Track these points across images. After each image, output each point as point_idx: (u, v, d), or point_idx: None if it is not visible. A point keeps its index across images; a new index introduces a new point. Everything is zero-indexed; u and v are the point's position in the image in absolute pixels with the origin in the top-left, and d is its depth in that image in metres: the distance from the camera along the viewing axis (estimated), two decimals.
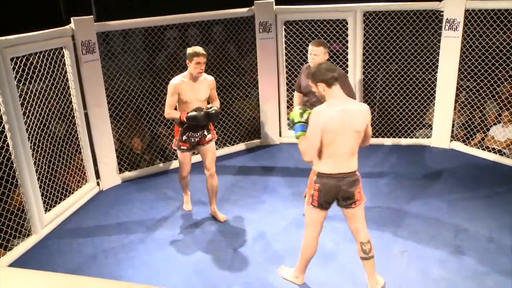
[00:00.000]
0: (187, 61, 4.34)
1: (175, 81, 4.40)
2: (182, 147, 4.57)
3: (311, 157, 3.33)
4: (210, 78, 4.54)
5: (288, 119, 3.45)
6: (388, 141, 6.48)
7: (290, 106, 6.61)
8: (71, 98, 5.03)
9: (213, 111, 4.35)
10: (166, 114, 4.48)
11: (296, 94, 4.88)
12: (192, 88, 4.40)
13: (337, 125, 3.22)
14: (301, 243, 3.71)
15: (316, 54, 4.48)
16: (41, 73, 4.57)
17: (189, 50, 4.32)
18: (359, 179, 3.45)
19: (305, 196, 3.65)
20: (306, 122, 3.41)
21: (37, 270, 1.50)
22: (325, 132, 3.22)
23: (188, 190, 5.01)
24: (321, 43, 4.54)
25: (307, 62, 4.61)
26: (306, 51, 6.21)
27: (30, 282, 1.42)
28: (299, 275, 3.81)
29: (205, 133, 4.58)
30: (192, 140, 4.54)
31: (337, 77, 3.30)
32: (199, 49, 4.31)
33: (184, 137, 4.52)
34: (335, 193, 3.40)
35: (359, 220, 3.53)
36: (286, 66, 6.43)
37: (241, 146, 6.54)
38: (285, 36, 6.32)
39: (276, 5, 6.14)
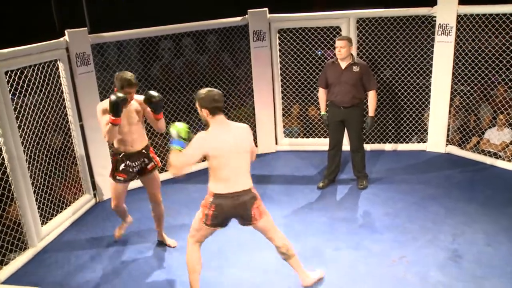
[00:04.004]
0: (115, 88, 3.93)
1: (103, 104, 3.99)
2: (118, 178, 4.14)
3: (180, 172, 3.36)
4: (139, 98, 4.09)
5: (170, 131, 3.47)
6: (383, 147, 6.49)
7: (285, 114, 6.63)
8: (66, 111, 5.03)
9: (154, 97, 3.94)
10: (105, 132, 3.91)
11: (321, 90, 5.37)
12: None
13: (227, 149, 3.33)
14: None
15: (342, 47, 5.04)
16: (35, 86, 4.57)
17: (121, 77, 3.92)
18: (256, 196, 3.53)
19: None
20: (188, 141, 3.43)
21: (32, 287, 1.50)
22: (215, 156, 3.31)
23: (128, 215, 4.59)
24: (344, 37, 5.16)
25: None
26: (301, 58, 6.31)
27: None
28: None
29: (146, 161, 4.20)
30: (131, 170, 4.15)
31: (221, 107, 3.40)
32: (130, 76, 3.95)
33: (122, 167, 4.13)
34: (232, 212, 3.45)
35: (268, 231, 3.62)
36: (281, 74, 6.44)
37: None
38: (279, 44, 6.35)
39: (269, 13, 6.17)
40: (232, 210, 3.44)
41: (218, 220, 3.46)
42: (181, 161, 3.33)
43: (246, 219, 3.51)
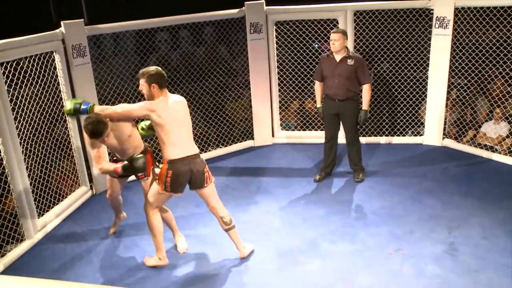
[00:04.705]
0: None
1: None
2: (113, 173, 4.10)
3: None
4: None
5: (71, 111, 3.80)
6: (380, 140, 6.50)
7: (282, 106, 6.62)
8: (62, 102, 5.01)
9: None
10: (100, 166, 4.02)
11: (317, 83, 5.38)
12: None
13: (175, 115, 3.69)
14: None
15: (336, 40, 5.03)
16: (31, 77, 4.55)
17: None
18: (204, 160, 3.89)
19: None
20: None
21: (30, 278, 1.49)
22: (165, 121, 3.63)
23: (122, 210, 4.68)
24: (338, 30, 5.15)
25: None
26: (298, 51, 6.29)
27: None
28: (160, 255, 4.01)
29: None
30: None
31: (166, 82, 3.75)
32: None
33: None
34: (188, 176, 3.76)
35: (213, 197, 3.98)
36: (278, 67, 6.43)
37: (234, 147, 6.53)
38: (276, 37, 6.32)
39: (266, 5, 6.15)
40: (188, 174, 3.75)
41: (177, 185, 3.75)
42: (119, 112, 3.68)
43: (199, 183, 3.83)
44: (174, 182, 3.72)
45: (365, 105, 5.21)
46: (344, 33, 5.11)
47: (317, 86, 5.37)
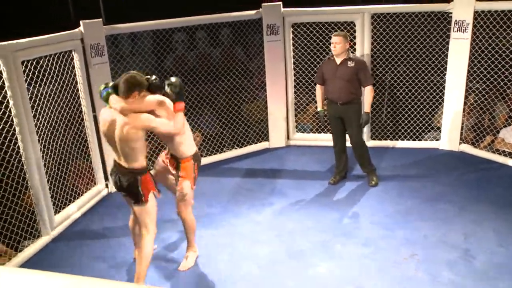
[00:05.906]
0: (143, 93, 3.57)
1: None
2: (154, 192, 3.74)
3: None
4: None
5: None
6: (396, 144, 6.45)
7: (298, 108, 6.62)
8: (80, 101, 5.07)
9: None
10: (180, 125, 3.67)
11: (318, 87, 5.40)
12: None
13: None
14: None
15: (337, 43, 5.04)
16: (51, 76, 4.61)
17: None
18: None
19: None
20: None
21: (42, 271, 1.52)
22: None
23: None
24: (340, 33, 5.14)
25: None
26: (314, 53, 6.28)
27: (36, 282, 1.43)
28: (195, 248, 4.16)
29: None
30: None
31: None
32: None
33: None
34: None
35: None
36: (294, 69, 6.43)
37: (249, 149, 6.54)
38: (293, 39, 6.32)
39: (283, 7, 6.15)
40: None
41: (197, 176, 3.94)
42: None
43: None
44: (197, 174, 3.91)
45: (366, 107, 5.20)
46: (346, 36, 5.11)
47: (318, 90, 5.38)
